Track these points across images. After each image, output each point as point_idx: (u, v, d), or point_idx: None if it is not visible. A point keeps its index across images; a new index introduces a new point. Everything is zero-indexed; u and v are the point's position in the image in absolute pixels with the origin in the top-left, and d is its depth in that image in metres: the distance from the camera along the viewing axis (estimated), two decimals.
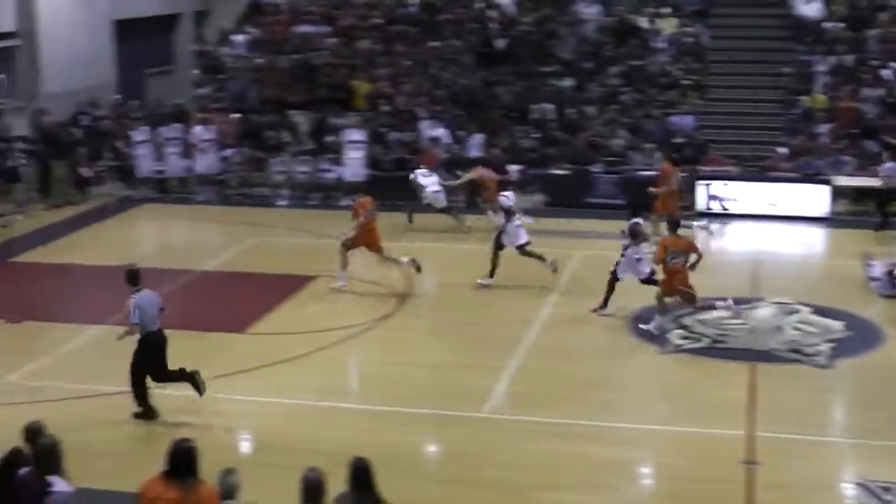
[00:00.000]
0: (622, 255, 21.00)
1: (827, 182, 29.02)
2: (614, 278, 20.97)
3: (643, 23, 35.50)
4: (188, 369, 16.25)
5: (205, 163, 31.72)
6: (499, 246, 22.76)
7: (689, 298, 20.02)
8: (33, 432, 10.58)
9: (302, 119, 33.32)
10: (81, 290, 24.13)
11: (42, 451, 10.00)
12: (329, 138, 31.91)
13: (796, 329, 20.15)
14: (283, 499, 10.60)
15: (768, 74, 33.76)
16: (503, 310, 21.56)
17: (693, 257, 19.83)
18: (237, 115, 33.26)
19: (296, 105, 33.92)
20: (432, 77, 34.06)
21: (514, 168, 30.65)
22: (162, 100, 36.58)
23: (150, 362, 16.17)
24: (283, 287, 22.52)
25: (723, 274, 24.57)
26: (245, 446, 16.32)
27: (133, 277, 16.26)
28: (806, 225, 28.44)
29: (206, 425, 15.72)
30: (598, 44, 34.90)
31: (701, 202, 28.83)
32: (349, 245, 22.68)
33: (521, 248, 22.85)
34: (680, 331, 20.04)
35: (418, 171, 27.75)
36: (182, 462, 9.76)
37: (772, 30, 35.28)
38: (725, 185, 28.80)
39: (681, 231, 20.69)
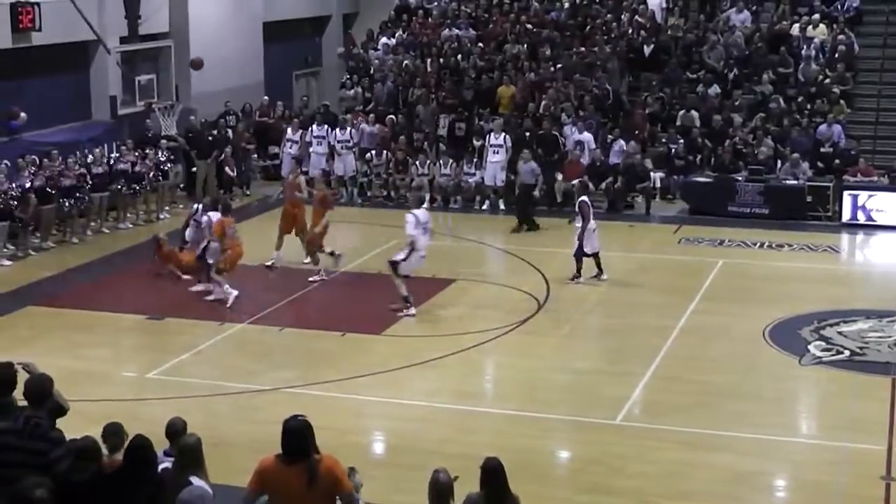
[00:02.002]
0: (582, 233, 23.17)
1: None
2: (583, 253, 23.37)
3: (793, 30, 35.01)
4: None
5: (343, 165, 31.99)
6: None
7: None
8: (176, 431, 10.74)
9: (446, 122, 33.46)
10: None
11: (185, 450, 9.98)
12: (473, 142, 32.03)
13: None
14: (414, 499, 10.67)
15: None
16: (644, 316, 21.48)
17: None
18: (389, 118, 33.51)
19: (441, 108, 34.09)
20: (578, 82, 33.96)
21: (656, 175, 30.57)
22: (308, 101, 37.07)
23: None
24: (422, 289, 22.55)
25: (867, 286, 24.27)
26: (378, 447, 16.54)
27: None
28: None
29: (342, 426, 15.89)
30: (747, 51, 34.51)
31: (847, 213, 28.34)
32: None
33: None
34: (820, 342, 19.79)
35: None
36: (293, 442, 9.27)
37: None
38: (872, 195, 28.28)
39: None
